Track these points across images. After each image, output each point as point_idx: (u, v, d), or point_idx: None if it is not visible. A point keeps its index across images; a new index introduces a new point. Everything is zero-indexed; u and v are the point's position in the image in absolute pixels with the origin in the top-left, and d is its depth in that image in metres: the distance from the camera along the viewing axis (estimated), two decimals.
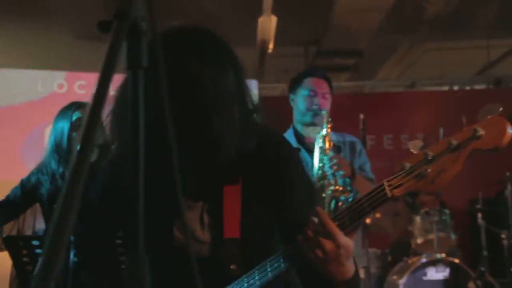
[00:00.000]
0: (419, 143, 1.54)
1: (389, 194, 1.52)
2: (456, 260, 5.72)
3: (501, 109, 1.45)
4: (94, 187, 1.85)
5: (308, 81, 3.76)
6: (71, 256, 2.44)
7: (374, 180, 3.86)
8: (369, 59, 9.02)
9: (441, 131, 4.76)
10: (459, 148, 1.45)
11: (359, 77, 9.17)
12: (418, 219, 6.11)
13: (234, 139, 1.63)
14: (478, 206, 6.33)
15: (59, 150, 3.04)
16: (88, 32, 8.05)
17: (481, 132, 1.43)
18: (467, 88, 8.16)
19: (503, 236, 6.20)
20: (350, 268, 1.60)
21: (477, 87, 8.20)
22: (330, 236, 1.54)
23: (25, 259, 2.60)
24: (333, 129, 3.78)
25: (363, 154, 3.86)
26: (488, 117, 1.45)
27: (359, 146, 3.86)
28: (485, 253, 6.20)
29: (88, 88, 5.97)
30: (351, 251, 1.58)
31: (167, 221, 1.78)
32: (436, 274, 5.67)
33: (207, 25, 1.70)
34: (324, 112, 3.65)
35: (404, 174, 1.51)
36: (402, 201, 6.63)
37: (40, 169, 3.16)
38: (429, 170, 1.48)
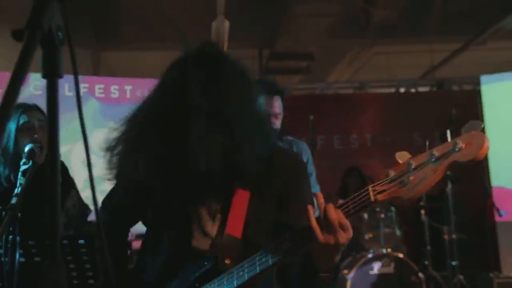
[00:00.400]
0: (406, 154, 1.59)
1: (372, 198, 1.57)
2: (401, 255, 5.78)
3: (482, 125, 1.50)
4: None
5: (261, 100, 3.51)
6: (17, 256, 2.38)
7: (314, 194, 3.75)
8: (321, 62, 9.08)
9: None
10: (440, 159, 1.51)
11: (311, 79, 9.22)
12: (365, 216, 6.13)
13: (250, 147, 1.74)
14: (422, 203, 6.39)
15: (5, 153, 2.92)
16: None
17: (461, 145, 1.48)
18: (412, 90, 8.28)
19: (444, 231, 6.28)
20: (338, 256, 1.67)
21: (421, 89, 8.31)
22: (344, 227, 1.58)
23: None
24: (283, 129, 3.69)
25: (309, 164, 3.76)
26: (471, 132, 1.50)
27: (305, 155, 3.75)
28: (428, 247, 6.28)
29: (43, 89, 5.87)
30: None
31: (186, 222, 1.87)
32: (382, 268, 5.72)
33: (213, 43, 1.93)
34: None
35: (388, 181, 1.57)
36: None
37: None
38: (411, 177, 1.53)
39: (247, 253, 1.76)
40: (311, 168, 3.78)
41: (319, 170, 3.86)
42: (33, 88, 5.93)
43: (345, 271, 5.79)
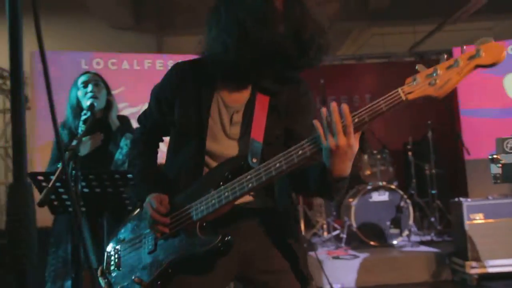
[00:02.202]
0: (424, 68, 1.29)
1: (403, 97, 1.26)
2: (393, 186, 5.47)
3: (492, 39, 1.25)
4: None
5: None
6: (79, 187, 2.05)
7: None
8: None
9: None
10: (463, 63, 1.25)
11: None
12: (365, 157, 5.85)
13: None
14: (409, 146, 6.08)
15: (73, 109, 2.62)
16: (120, 22, 7.53)
17: (482, 52, 1.23)
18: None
19: (426, 168, 5.97)
20: (348, 168, 1.31)
21: (407, 59, 7.69)
22: (346, 132, 1.25)
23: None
24: None
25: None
26: (489, 42, 1.24)
27: None
28: (413, 180, 5.96)
29: (118, 64, 5.54)
30: (354, 154, 1.30)
31: (200, 141, 1.52)
32: (379, 196, 5.41)
33: None
34: None
35: (415, 83, 1.27)
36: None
37: (62, 126, 2.70)
38: (437, 80, 1.25)
39: (266, 154, 1.43)
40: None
41: None
42: (111, 65, 5.59)
43: (350, 199, 5.50)
